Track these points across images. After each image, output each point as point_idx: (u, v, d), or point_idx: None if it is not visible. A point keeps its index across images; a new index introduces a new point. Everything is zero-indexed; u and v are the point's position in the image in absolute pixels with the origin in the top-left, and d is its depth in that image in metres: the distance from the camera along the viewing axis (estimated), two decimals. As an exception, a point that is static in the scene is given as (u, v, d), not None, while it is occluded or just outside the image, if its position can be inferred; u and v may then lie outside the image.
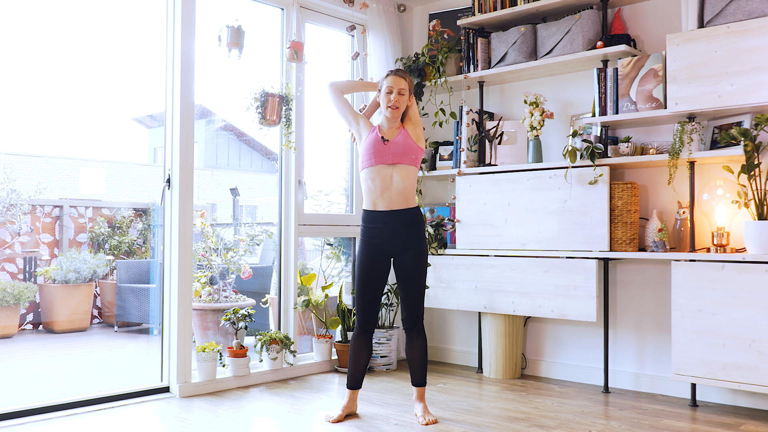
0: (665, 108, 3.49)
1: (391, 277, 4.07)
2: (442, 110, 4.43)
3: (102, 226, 6.63)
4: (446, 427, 3.10)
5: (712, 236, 3.39)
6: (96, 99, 7.43)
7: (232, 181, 8.07)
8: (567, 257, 3.80)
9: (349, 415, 3.29)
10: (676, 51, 3.40)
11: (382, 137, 3.21)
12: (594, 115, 3.78)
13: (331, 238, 5.03)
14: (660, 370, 3.81)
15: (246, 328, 4.01)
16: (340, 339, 4.42)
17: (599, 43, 3.76)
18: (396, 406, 3.49)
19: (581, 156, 3.68)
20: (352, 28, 4.51)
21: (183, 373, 3.65)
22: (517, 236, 3.99)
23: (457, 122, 4.36)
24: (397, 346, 4.49)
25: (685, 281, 3.34)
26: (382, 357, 4.37)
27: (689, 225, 3.50)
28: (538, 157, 4.01)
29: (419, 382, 3.29)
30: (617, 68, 3.68)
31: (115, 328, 6.20)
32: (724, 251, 3.34)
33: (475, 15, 4.29)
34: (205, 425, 3.11)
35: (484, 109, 4.41)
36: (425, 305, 3.91)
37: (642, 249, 3.71)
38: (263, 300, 4.93)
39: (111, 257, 6.49)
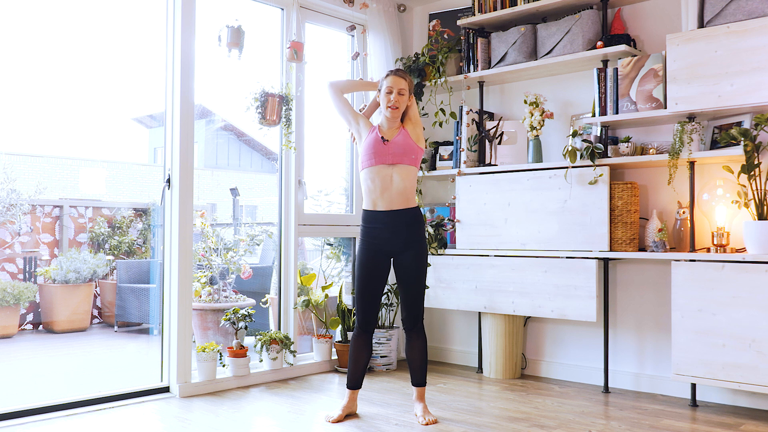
0: (665, 108, 3.49)
1: (391, 277, 4.07)
2: (442, 110, 4.43)
3: (102, 226, 6.63)
4: (446, 427, 3.10)
5: (712, 236, 3.39)
6: (96, 99, 7.43)
7: (232, 181, 8.07)
8: (567, 257, 3.80)
9: (349, 415, 3.29)
10: (676, 51, 3.40)
11: (382, 137, 3.21)
12: (594, 115, 3.78)
13: (331, 238, 5.03)
14: (660, 370, 3.81)
15: (246, 328, 4.01)
16: (340, 339, 4.42)
17: (599, 43, 3.76)
18: (396, 406, 3.49)
19: (581, 156, 3.68)
20: (352, 28, 4.51)
21: (183, 373, 3.65)
22: (517, 236, 3.99)
23: (457, 122, 4.36)
24: (397, 346, 4.49)
25: (685, 281, 3.34)
26: (382, 357, 4.37)
27: (689, 225, 3.50)
28: (538, 157, 4.01)
29: (419, 382, 3.29)
30: (617, 68, 3.68)
31: (115, 328, 6.20)
32: (724, 251, 3.34)
33: (475, 15, 4.29)
34: (205, 425, 3.11)
35: (484, 109, 4.41)
36: (425, 305, 3.90)
37: (642, 249, 3.71)
38: (263, 300, 4.93)
39: (111, 257, 6.49)
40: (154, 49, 4.11)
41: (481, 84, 4.36)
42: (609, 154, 3.73)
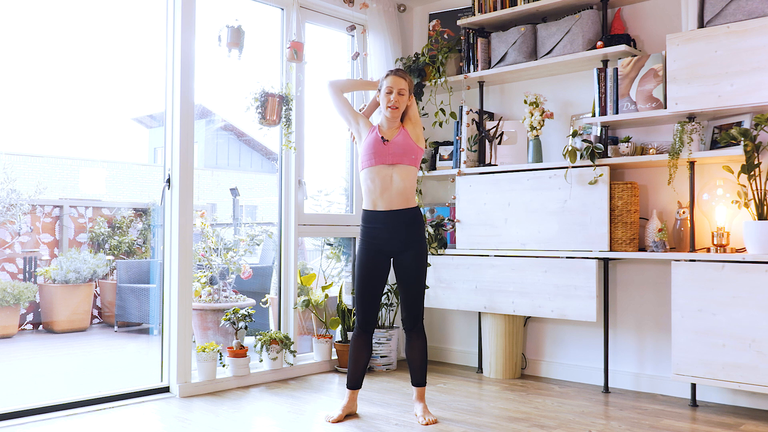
0: (665, 108, 3.49)
1: (391, 277, 4.07)
2: (442, 110, 4.43)
3: (102, 226, 6.63)
4: (446, 427, 3.10)
5: (712, 236, 3.39)
6: (96, 99, 7.43)
7: (232, 181, 8.07)
8: (567, 257, 3.80)
9: (349, 415, 3.29)
10: (676, 51, 3.40)
11: (382, 137, 3.20)
12: (594, 115, 3.78)
13: (331, 238, 5.03)
14: (660, 370, 3.81)
15: (246, 328, 4.01)
16: (340, 339, 4.42)
17: (599, 43, 3.76)
18: (396, 406, 3.49)
19: (581, 156, 3.68)
20: (352, 28, 4.51)
21: (183, 373, 3.65)
22: (517, 236, 3.99)
23: (457, 122, 4.36)
24: (397, 346, 4.48)
25: (685, 281, 3.34)
26: (382, 357, 4.37)
27: (689, 225, 3.50)
28: (538, 157, 4.01)
29: (419, 382, 3.29)
30: (617, 68, 3.68)
31: (115, 328, 6.20)
32: (724, 251, 3.34)
33: (475, 15, 4.29)
34: (205, 425, 3.11)
35: (484, 109, 4.41)
36: (425, 305, 3.91)
37: (642, 249, 3.71)
38: (263, 300, 4.93)
39: (111, 257, 6.49)
40: (154, 49, 4.11)
41: (481, 84, 4.36)
42: (609, 154, 3.73)
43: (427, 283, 3.79)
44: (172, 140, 3.70)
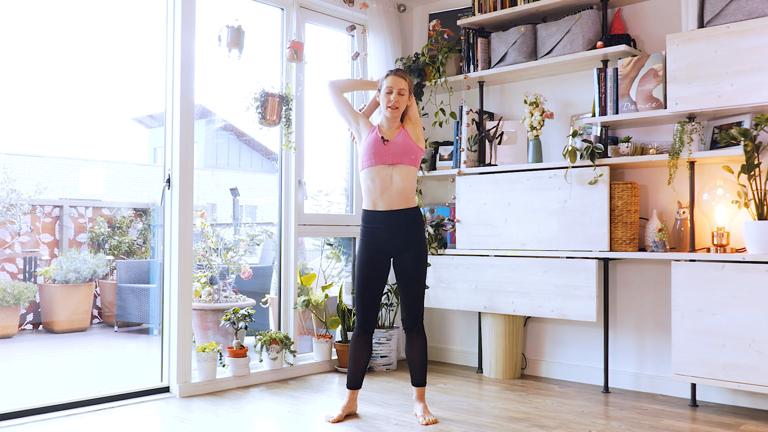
0: (665, 108, 3.49)
1: (391, 277, 4.07)
2: (442, 110, 4.43)
3: (102, 226, 6.63)
4: (446, 427, 3.10)
5: (712, 236, 3.39)
6: (96, 99, 7.43)
7: (232, 181, 8.08)
8: (567, 257, 3.80)
9: (349, 415, 3.29)
10: (676, 51, 3.40)
11: (382, 137, 3.20)
12: (594, 115, 3.78)
13: (331, 238, 5.03)
14: (660, 370, 3.81)
15: (246, 328, 4.01)
16: (340, 339, 4.42)
17: (599, 43, 3.76)
18: (396, 406, 3.49)
19: (581, 156, 3.68)
20: (352, 28, 4.51)
21: (183, 373, 3.65)
22: (517, 236, 3.99)
23: (457, 122, 4.36)
24: (397, 346, 4.49)
25: (685, 281, 3.34)
26: (382, 357, 4.37)
27: (689, 225, 3.50)
28: (538, 157, 4.01)
29: (419, 382, 3.28)
30: (617, 68, 3.68)
31: (115, 328, 6.20)
32: (724, 251, 3.34)
33: (475, 15, 4.29)
34: (205, 425, 3.11)
35: (484, 109, 4.41)
36: (425, 305, 3.91)
37: (642, 249, 3.71)
38: (263, 300, 4.93)
39: (111, 257, 6.49)
40: (154, 49, 4.11)
41: (481, 84, 4.36)
42: (609, 154, 3.73)
43: (427, 283, 3.79)
44: (172, 140, 3.70)
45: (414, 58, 4.53)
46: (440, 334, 4.77)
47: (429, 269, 4.28)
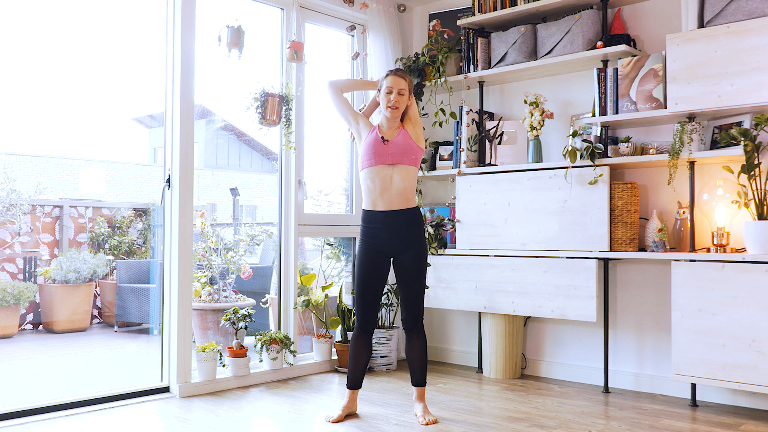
0: (665, 108, 3.49)
1: (391, 277, 4.07)
2: (442, 110, 4.43)
3: (102, 226, 6.63)
4: (446, 427, 3.10)
5: (712, 236, 3.39)
6: (96, 99, 7.43)
7: (232, 181, 8.08)
8: (567, 257, 3.80)
9: (349, 415, 3.29)
10: (676, 51, 3.40)
11: (382, 137, 3.20)
12: (594, 115, 3.78)
13: (331, 238, 5.03)
14: (660, 370, 3.81)
15: (246, 328, 4.01)
16: (340, 339, 4.42)
17: (599, 43, 3.76)
18: (396, 406, 3.49)
19: (581, 156, 3.68)
20: (352, 28, 4.51)
21: (183, 373, 3.65)
22: (517, 236, 3.99)
23: (457, 122, 4.36)
24: (397, 346, 4.49)
25: (685, 281, 3.34)
26: (382, 357, 4.37)
27: (689, 225, 3.50)
28: (538, 157, 4.01)
29: (419, 382, 3.28)
30: (617, 68, 3.68)
31: (115, 328, 6.20)
32: (724, 251, 3.34)
33: (475, 15, 4.29)
34: (205, 425, 3.11)
35: (484, 109, 4.41)
36: (425, 305, 3.91)
37: (642, 249, 3.71)
38: (263, 300, 4.93)
39: (111, 257, 6.49)
40: (154, 49, 4.11)
41: (481, 84, 4.36)
42: (609, 154, 3.73)
43: (427, 283, 3.79)
44: (172, 140, 3.70)
45: (414, 58, 4.53)
46: (440, 334, 4.77)
47: (429, 269, 4.28)
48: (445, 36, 4.49)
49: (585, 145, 3.70)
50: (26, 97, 6.89)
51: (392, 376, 4.23)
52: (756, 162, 3.20)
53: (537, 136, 4.00)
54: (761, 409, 3.45)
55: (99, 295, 6.39)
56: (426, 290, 3.56)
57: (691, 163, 3.47)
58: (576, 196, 3.76)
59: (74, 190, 7.53)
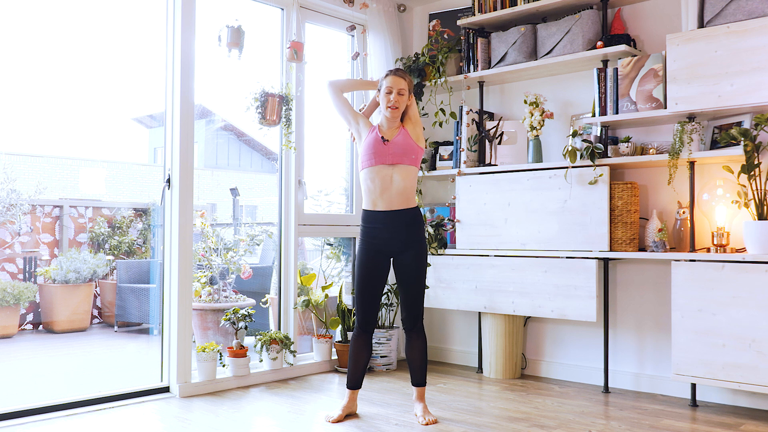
0: (665, 108, 3.49)
1: (391, 277, 4.07)
2: (442, 110, 4.43)
3: (102, 226, 6.63)
4: (446, 427, 3.10)
5: (712, 236, 3.39)
6: (96, 99, 7.43)
7: (232, 181, 8.08)
8: (567, 257, 3.80)
9: (349, 415, 3.29)
10: (676, 51, 3.40)
11: (382, 137, 3.20)
12: (594, 115, 3.78)
13: (331, 238, 5.03)
14: (660, 370, 3.81)
15: (246, 328, 4.01)
16: (340, 339, 4.42)
17: (599, 43, 3.76)
18: (396, 406, 3.49)
19: (581, 156, 3.68)
20: (352, 28, 4.51)
21: (183, 373, 3.65)
22: (517, 236, 3.99)
23: (457, 122, 4.36)
24: (397, 346, 4.49)
25: (685, 281, 3.34)
26: (382, 357, 4.37)
27: (689, 225, 3.50)
28: (538, 157, 4.01)
29: (419, 382, 3.29)
30: (617, 68, 3.68)
31: (115, 328, 6.20)
32: (724, 251, 3.34)
33: (475, 15, 4.29)
34: (205, 425, 3.11)
35: (484, 109, 4.41)
36: (425, 305, 3.91)
37: (642, 249, 3.71)
38: (263, 300, 4.93)
39: (111, 257, 6.49)
40: (154, 49, 4.11)
41: (481, 84, 4.36)
42: (609, 154, 3.73)
43: (427, 283, 3.80)
44: (172, 140, 3.70)
45: (414, 58, 4.53)
46: (440, 334, 4.77)
47: (429, 269, 4.28)
48: (445, 36, 4.49)
49: (585, 145, 3.70)
50: (26, 97, 6.90)
51: (392, 376, 4.23)
52: (756, 162, 3.20)
53: (537, 136, 4.00)
54: (761, 409, 3.45)
55: (99, 295, 6.39)
56: (426, 290, 3.56)
57: (691, 163, 3.47)
58: (576, 196, 3.76)
59: (74, 190, 7.53)
